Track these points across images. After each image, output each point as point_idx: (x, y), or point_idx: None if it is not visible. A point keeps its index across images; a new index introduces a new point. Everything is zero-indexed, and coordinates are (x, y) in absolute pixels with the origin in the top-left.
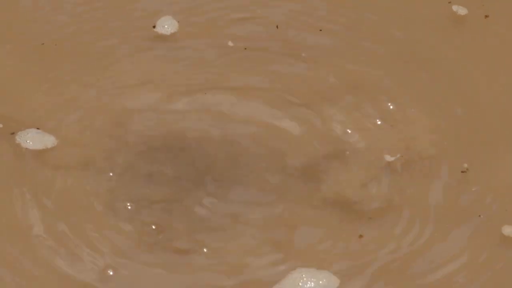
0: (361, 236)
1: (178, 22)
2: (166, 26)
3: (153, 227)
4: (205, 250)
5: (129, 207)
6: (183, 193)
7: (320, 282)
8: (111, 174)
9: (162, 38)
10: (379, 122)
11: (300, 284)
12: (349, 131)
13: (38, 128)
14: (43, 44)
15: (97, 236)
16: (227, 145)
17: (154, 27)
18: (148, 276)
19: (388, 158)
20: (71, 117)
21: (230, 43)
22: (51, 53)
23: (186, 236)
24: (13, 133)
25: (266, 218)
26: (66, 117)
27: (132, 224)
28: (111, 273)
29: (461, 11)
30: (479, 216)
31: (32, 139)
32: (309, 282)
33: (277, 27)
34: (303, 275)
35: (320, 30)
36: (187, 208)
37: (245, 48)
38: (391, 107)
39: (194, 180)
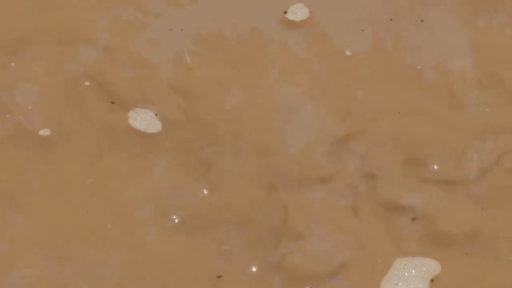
0: (413, 218)
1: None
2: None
3: None
4: None
5: None
6: None
7: (424, 268)
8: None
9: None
10: None
11: (406, 274)
12: None
13: (156, 114)
14: None
15: None
16: None
17: (285, 12)
18: None
19: None
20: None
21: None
22: None
23: None
24: (113, 103)
25: None
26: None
27: None
28: None
29: None
30: None
31: (141, 119)
32: (413, 271)
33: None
34: (405, 265)
35: None
36: None
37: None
38: None
39: None
